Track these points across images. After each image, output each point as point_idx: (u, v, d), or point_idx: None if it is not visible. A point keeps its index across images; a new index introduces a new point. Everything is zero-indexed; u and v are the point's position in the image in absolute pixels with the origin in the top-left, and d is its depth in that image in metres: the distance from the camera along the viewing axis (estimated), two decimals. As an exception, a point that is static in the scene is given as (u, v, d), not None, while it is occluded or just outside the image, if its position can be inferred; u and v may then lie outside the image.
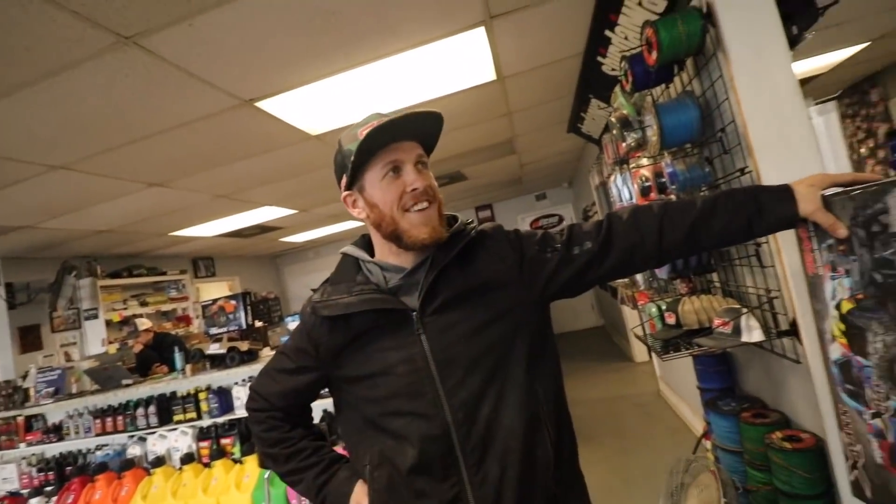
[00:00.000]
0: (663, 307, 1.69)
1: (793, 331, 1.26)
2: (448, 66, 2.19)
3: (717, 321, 1.39)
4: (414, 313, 0.81)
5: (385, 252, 0.87)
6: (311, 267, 8.15)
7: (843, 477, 1.19)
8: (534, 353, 0.82)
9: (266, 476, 2.13)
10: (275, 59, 1.81)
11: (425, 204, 0.81)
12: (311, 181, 3.78)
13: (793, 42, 1.34)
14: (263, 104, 2.17)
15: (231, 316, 3.59)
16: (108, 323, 4.64)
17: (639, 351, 4.71)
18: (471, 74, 2.31)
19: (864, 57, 3.85)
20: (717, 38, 1.33)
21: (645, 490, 2.43)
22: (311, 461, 0.89)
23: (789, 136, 1.26)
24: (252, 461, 2.93)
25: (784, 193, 0.72)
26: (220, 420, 3.20)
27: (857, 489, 0.71)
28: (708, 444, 1.82)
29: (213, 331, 3.60)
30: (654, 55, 1.39)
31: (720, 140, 1.43)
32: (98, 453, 3.29)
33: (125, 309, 4.94)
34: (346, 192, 0.88)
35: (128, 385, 3.37)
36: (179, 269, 5.93)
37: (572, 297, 0.88)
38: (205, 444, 3.16)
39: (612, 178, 2.04)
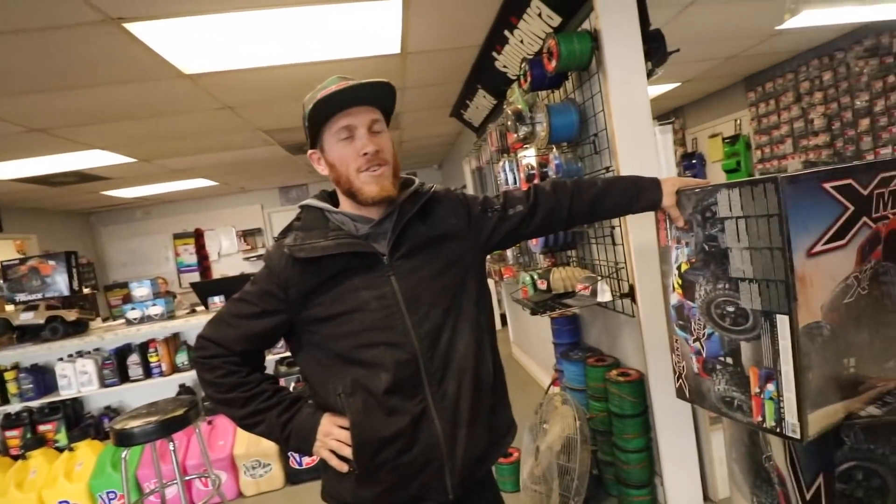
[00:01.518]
0: (536, 276, 2.02)
1: (630, 293, 1.67)
2: (356, 31, 2.17)
3: (579, 286, 1.75)
4: (384, 257, 0.91)
5: (350, 205, 0.94)
6: (139, 229, 6.84)
7: (657, 397, 1.65)
8: (479, 292, 0.99)
9: (124, 455, 1.89)
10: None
11: (377, 166, 0.90)
12: (168, 126, 3.26)
13: (648, 74, 1.73)
14: (134, 26, 1.84)
15: (48, 279, 2.95)
16: None
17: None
18: (377, 44, 2.32)
19: (673, 94, 4.96)
20: (601, 59, 1.64)
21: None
22: (273, 402, 0.91)
23: (641, 145, 1.65)
24: (84, 447, 2.54)
25: (655, 185, 1.02)
26: (37, 403, 2.66)
27: (680, 392, 1.06)
28: (556, 389, 2.26)
29: (22, 297, 2.92)
30: (554, 63, 1.65)
31: (593, 142, 1.77)
32: None
33: None
34: (311, 151, 0.95)
35: None
36: (-54, 219, 4.52)
37: (506, 249, 1.08)
38: (14, 432, 2.61)
39: (501, 163, 2.31)
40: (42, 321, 2.74)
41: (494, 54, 2.49)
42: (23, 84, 2.22)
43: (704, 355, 0.97)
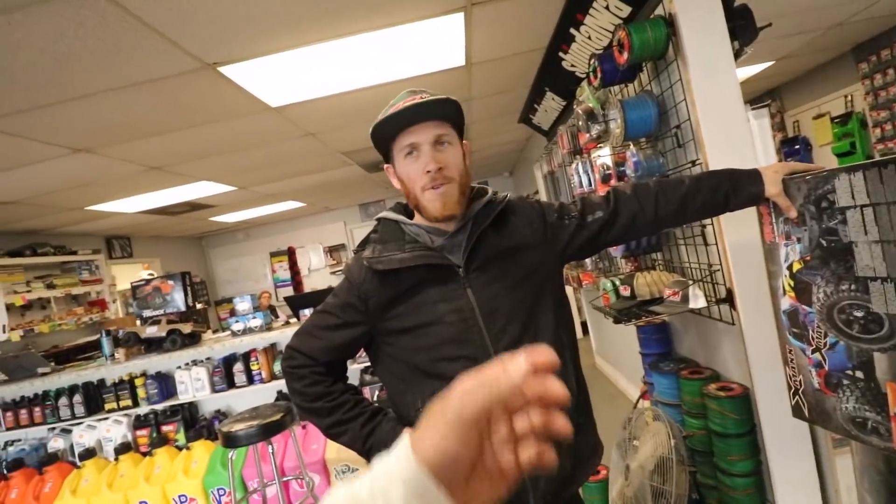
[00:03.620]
0: (618, 282, 1.90)
1: (729, 298, 1.50)
2: (421, 48, 2.23)
3: (668, 291, 1.61)
4: (460, 269, 0.91)
5: (422, 217, 0.95)
6: (241, 250, 7.66)
7: (766, 415, 1.46)
8: (559, 303, 0.94)
9: (231, 456, 2.07)
10: (249, 22, 1.73)
11: (441, 184, 0.89)
12: (259, 156, 3.60)
13: (736, 55, 1.57)
14: (227, 69, 2.06)
15: (168, 297, 3.35)
16: (9, 307, 4.10)
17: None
18: (442, 58, 2.37)
19: (768, 73, 4.46)
20: (678, 45, 1.52)
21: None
22: (356, 412, 0.93)
23: (733, 134, 1.49)
24: (199, 447, 2.81)
25: (754, 176, 0.91)
26: (161, 406, 3.02)
27: (797, 411, 0.92)
28: (646, 403, 2.09)
29: (148, 313, 3.34)
30: (626, 55, 1.55)
31: (675, 135, 1.64)
32: (10, 449, 2.94)
33: (29, 292, 4.38)
34: (387, 165, 0.98)
35: (45, 374, 3.03)
36: (91, 249, 5.34)
37: (585, 258, 1.03)
38: (143, 432, 2.97)
39: (574, 166, 2.22)
40: (164, 334, 3.12)
41: (561, 54, 2.42)
42: (137, 131, 2.57)
43: (827, 368, 0.84)
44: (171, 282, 3.34)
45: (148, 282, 3.38)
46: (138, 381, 3.01)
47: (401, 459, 0.31)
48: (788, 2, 2.70)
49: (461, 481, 0.31)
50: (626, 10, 1.81)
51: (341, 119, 3.02)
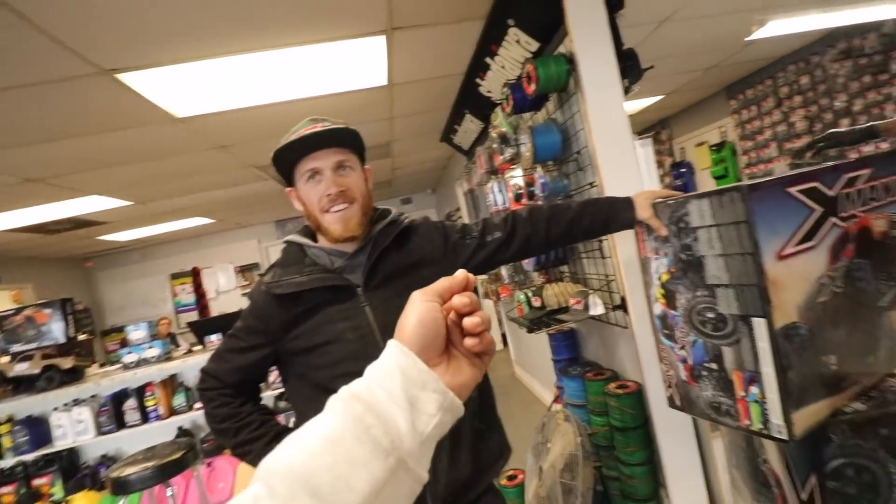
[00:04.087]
0: (530, 294, 2.05)
1: (623, 305, 1.69)
2: (344, 67, 2.25)
3: (572, 301, 1.77)
4: (359, 288, 0.95)
5: (325, 239, 0.99)
6: (136, 272, 6.80)
7: (656, 407, 1.65)
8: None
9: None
10: (157, 29, 1.65)
11: (342, 205, 0.94)
12: (162, 168, 3.33)
13: (625, 91, 1.79)
14: (126, 76, 1.93)
15: (44, 328, 2.95)
16: None
17: (495, 341, 5.30)
18: (364, 77, 2.41)
19: (660, 105, 5.07)
20: (578, 80, 1.71)
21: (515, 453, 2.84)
22: (260, 432, 0.94)
23: (623, 160, 1.69)
24: (81, 499, 2.50)
25: (628, 203, 1.07)
26: (31, 456, 2.62)
27: (671, 401, 1.07)
28: (558, 406, 2.25)
29: (17, 347, 2.90)
30: (533, 87, 1.71)
31: (576, 160, 1.82)
32: None
33: None
34: (289, 189, 1.00)
35: None
36: (-56, 272, 4.54)
37: (484, 274, 1.12)
38: (8, 489, 2.56)
39: (489, 185, 2.36)
40: (38, 371, 2.72)
41: (478, 80, 2.57)
42: (17, 137, 2.29)
43: (691, 362, 0.99)
44: (47, 310, 2.93)
45: (18, 311, 2.95)
46: (2, 429, 2.60)
47: (390, 351, 0.39)
48: (670, 47, 3.12)
49: (440, 360, 0.40)
50: (535, 45, 1.99)
51: (257, 132, 2.92)
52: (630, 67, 1.82)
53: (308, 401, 0.94)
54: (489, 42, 2.18)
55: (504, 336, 4.68)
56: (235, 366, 0.94)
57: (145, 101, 2.15)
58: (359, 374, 0.90)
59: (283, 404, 2.84)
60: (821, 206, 0.89)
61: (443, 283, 0.43)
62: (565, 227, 1.10)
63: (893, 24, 3.29)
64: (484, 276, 3.42)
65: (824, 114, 4.00)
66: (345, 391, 0.37)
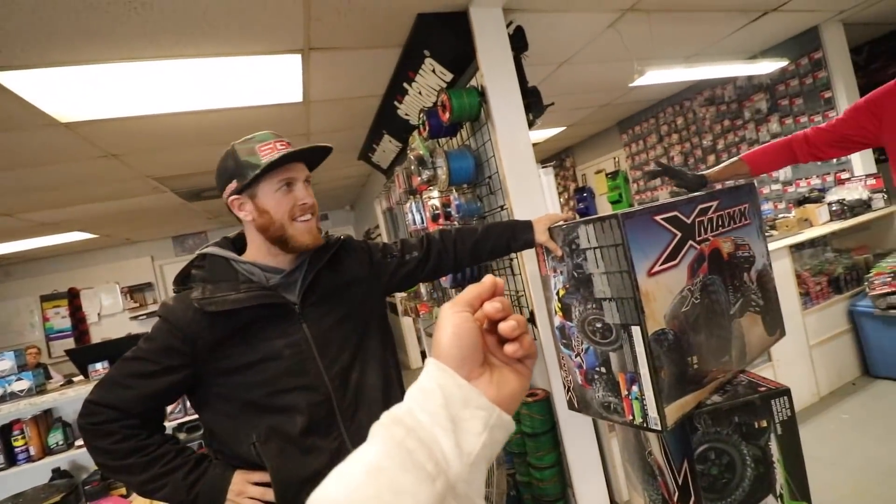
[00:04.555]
0: (447, 310, 2.12)
1: (531, 318, 1.83)
2: (257, 81, 2.20)
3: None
4: (296, 306, 0.95)
5: (263, 254, 0.97)
6: None
7: (561, 412, 1.79)
8: (383, 331, 1.06)
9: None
10: (37, 29, 1.50)
11: (309, 216, 0.98)
12: (37, 177, 2.94)
13: (530, 124, 1.97)
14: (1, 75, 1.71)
15: None
16: None
17: (414, 359, 5.32)
18: (279, 92, 2.36)
19: (565, 135, 5.56)
20: (489, 112, 1.85)
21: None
22: (177, 463, 0.87)
23: (528, 185, 1.86)
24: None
25: (528, 226, 1.21)
26: None
27: (570, 404, 1.18)
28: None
29: None
30: (448, 115, 1.82)
31: (488, 184, 1.95)
32: None
33: None
34: (235, 196, 0.96)
35: None
36: None
37: (403, 291, 1.18)
38: None
39: (408, 204, 2.42)
40: None
41: (396, 103, 2.65)
42: None
43: (585, 368, 1.11)
44: None
45: None
46: None
47: (428, 370, 0.36)
48: (569, 85, 3.47)
49: (481, 371, 0.37)
50: (450, 76, 2.12)
51: (154, 141, 2.71)
52: (534, 103, 2.01)
53: (235, 421, 0.90)
54: (406, 68, 2.28)
55: (423, 354, 4.72)
56: (144, 392, 0.86)
57: (23, 102, 1.91)
58: (295, 389, 0.90)
59: (183, 436, 2.59)
60: (680, 232, 1.07)
61: (471, 291, 0.39)
62: (471, 248, 1.23)
63: (745, 79, 3.98)
64: (403, 294, 3.45)
65: (696, 150, 4.68)
66: (386, 416, 0.34)
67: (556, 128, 5.00)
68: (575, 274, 1.09)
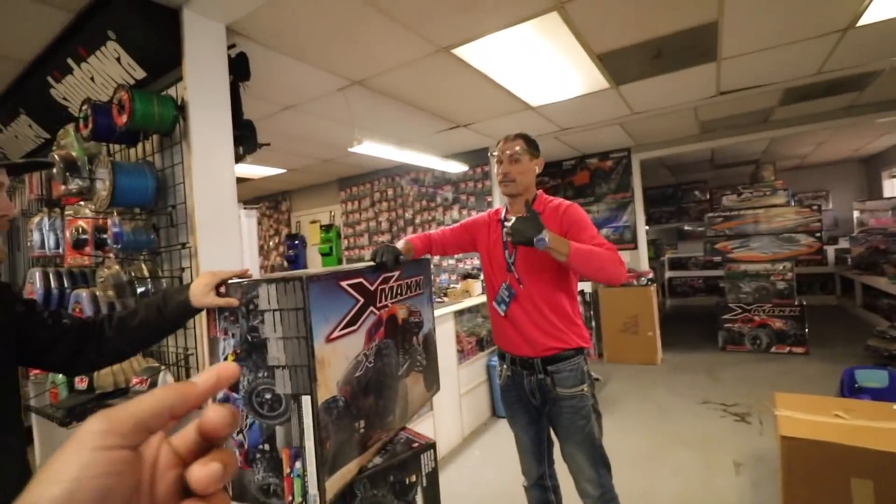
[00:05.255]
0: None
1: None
2: None
3: (135, 380, 1.46)
4: None
5: None
6: None
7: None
8: None
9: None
10: None
11: None
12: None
13: (237, 158, 1.78)
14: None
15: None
16: None
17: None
18: None
19: (285, 178, 5.40)
20: (186, 130, 1.56)
21: None
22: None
23: (224, 225, 1.63)
24: None
25: (183, 289, 1.04)
26: None
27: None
28: None
29: None
30: (125, 118, 1.43)
31: (170, 214, 1.61)
32: None
33: None
34: None
35: None
36: None
37: None
38: None
39: (38, 219, 1.73)
40: None
41: (51, 80, 1.96)
42: None
43: (247, 446, 0.97)
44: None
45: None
46: None
47: None
48: (291, 131, 3.44)
49: None
50: (141, 74, 1.72)
51: None
52: (247, 137, 1.85)
53: None
54: (78, 42, 1.73)
55: (30, 430, 3.35)
56: None
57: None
58: None
59: None
60: (363, 298, 1.11)
61: (149, 402, 0.24)
62: (116, 332, 1.06)
63: (440, 172, 4.91)
64: None
65: (399, 220, 5.38)
66: None
67: (276, 168, 4.83)
68: (249, 338, 0.96)
